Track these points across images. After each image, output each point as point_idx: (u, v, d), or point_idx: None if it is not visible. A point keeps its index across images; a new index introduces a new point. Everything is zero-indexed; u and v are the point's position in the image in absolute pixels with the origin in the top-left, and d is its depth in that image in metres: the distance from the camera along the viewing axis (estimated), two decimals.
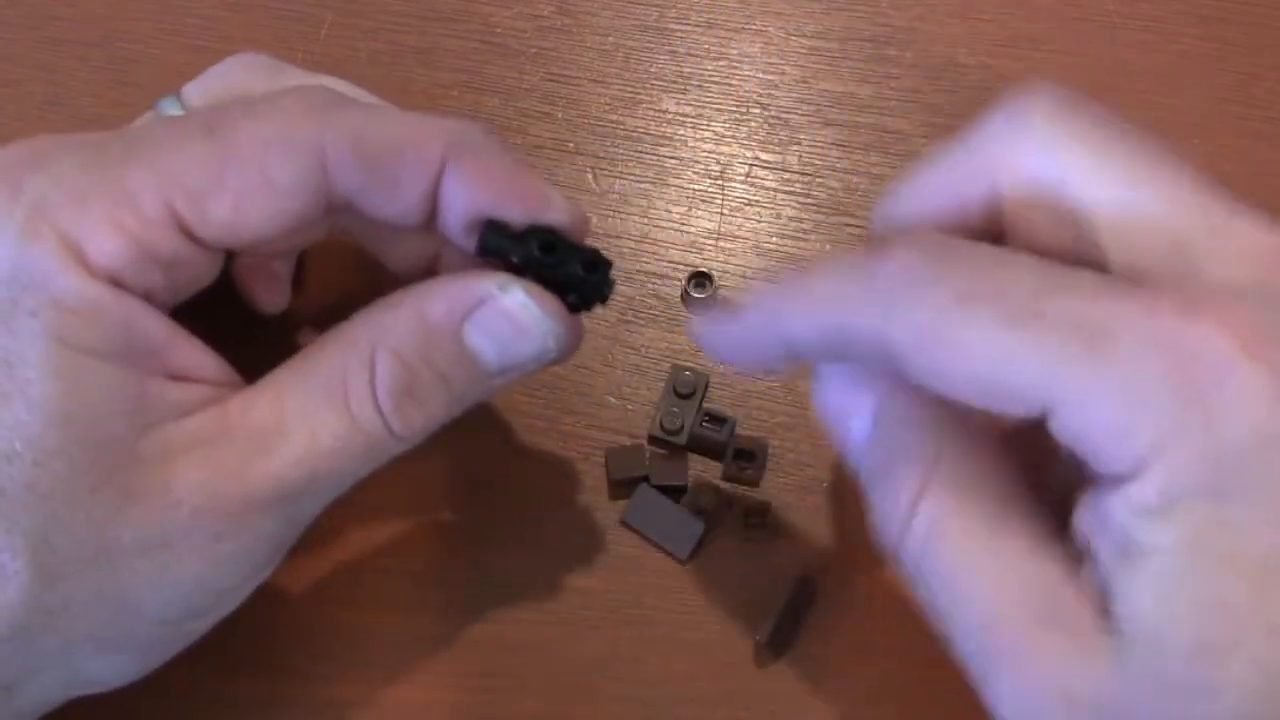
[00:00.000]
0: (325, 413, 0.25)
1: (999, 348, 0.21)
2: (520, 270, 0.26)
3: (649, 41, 0.39)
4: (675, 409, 0.34)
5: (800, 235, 0.37)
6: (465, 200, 0.26)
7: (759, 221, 0.37)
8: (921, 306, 0.22)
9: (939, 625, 0.23)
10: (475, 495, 0.33)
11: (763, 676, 0.32)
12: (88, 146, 0.25)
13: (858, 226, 0.37)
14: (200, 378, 0.25)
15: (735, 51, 0.39)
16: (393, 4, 0.39)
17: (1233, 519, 0.20)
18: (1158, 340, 0.20)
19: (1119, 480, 0.21)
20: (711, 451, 0.34)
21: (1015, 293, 0.21)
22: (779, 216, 0.37)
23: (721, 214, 0.37)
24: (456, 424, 0.27)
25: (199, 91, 0.30)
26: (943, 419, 0.24)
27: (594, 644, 0.32)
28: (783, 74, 0.39)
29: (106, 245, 0.24)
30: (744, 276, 0.36)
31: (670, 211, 0.37)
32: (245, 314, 0.31)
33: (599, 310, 0.28)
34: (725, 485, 0.34)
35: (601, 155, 0.38)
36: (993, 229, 0.24)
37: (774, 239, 0.37)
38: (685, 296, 0.35)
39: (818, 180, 0.38)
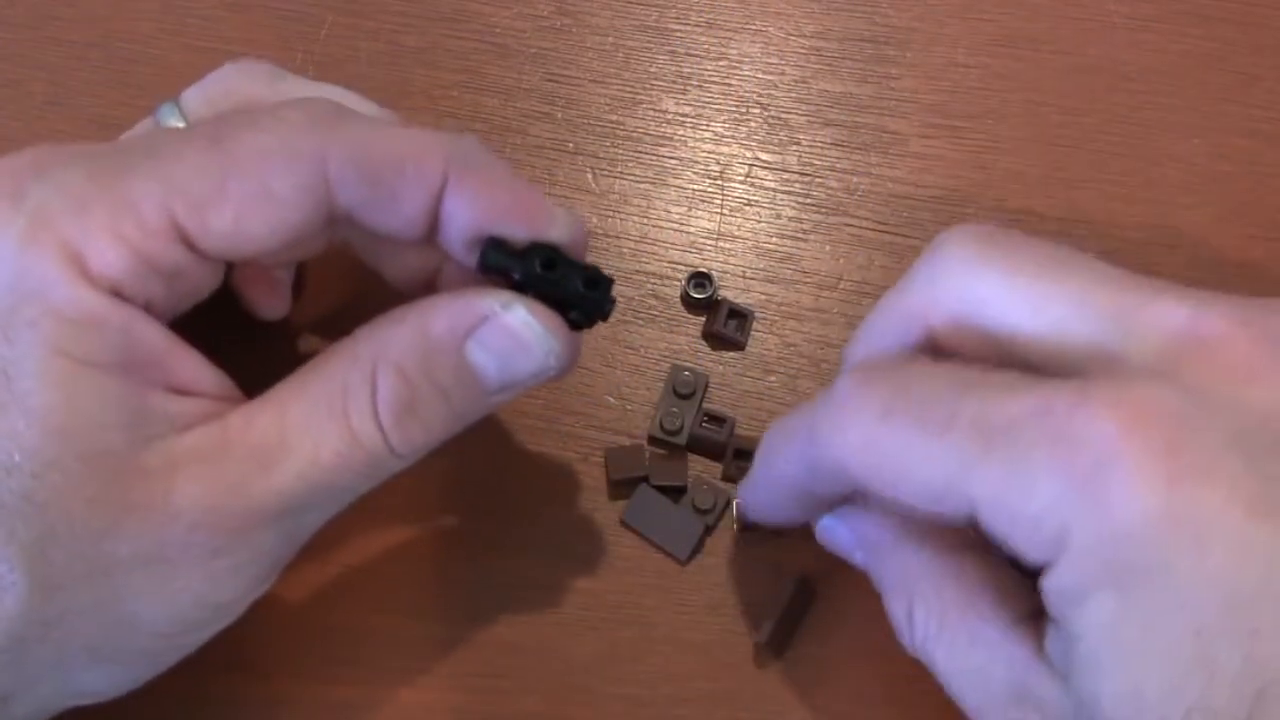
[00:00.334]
0: (326, 428, 0.25)
1: (917, 454, 0.23)
2: (521, 287, 0.26)
3: (649, 41, 0.39)
4: (675, 409, 0.34)
5: (800, 235, 0.37)
6: (466, 216, 0.26)
7: (759, 221, 0.37)
8: (855, 424, 0.24)
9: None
10: (475, 496, 0.33)
11: (763, 676, 0.32)
12: (90, 156, 0.25)
13: (857, 227, 0.37)
14: (200, 391, 0.25)
15: (735, 51, 0.39)
16: (393, 4, 0.39)
17: (1141, 605, 0.21)
18: (1049, 433, 0.22)
19: (1043, 569, 0.23)
20: (711, 452, 0.34)
21: (930, 402, 0.24)
22: (779, 216, 0.37)
23: (721, 214, 0.37)
24: None
25: (198, 98, 0.30)
26: (911, 542, 0.27)
27: (594, 644, 0.32)
28: (782, 74, 0.39)
29: (108, 255, 0.24)
30: (744, 276, 0.36)
31: (670, 212, 0.37)
32: (244, 324, 0.31)
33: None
34: (725, 485, 0.34)
35: (601, 155, 0.38)
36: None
37: (774, 239, 0.37)
38: (685, 297, 0.35)
39: (817, 180, 0.38)
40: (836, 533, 0.29)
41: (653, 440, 0.34)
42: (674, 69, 0.39)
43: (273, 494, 0.25)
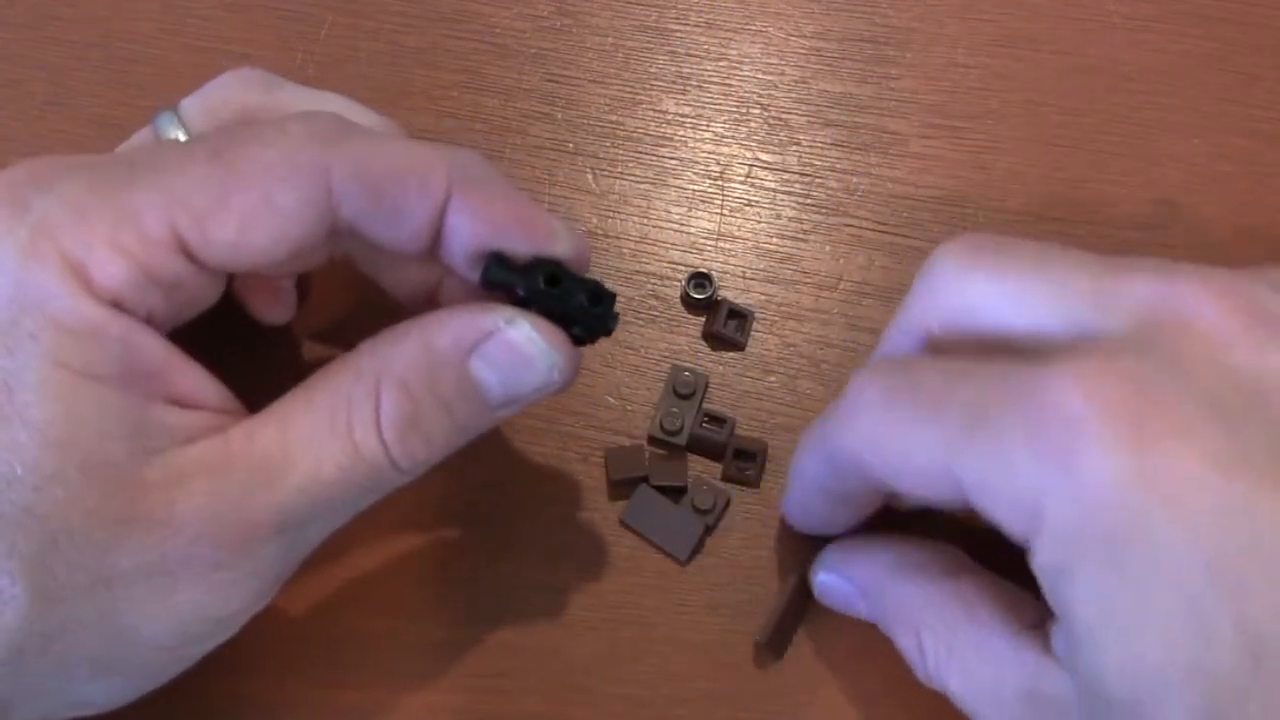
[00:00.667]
0: (329, 443, 0.25)
1: (913, 439, 0.25)
2: (524, 302, 0.26)
3: (648, 42, 0.39)
4: (675, 409, 0.34)
5: (800, 236, 0.37)
6: (469, 232, 0.26)
7: (759, 222, 0.37)
8: (863, 414, 0.26)
9: None
10: (475, 497, 0.33)
11: (763, 676, 0.32)
12: (93, 167, 0.25)
13: (857, 227, 0.37)
14: (201, 403, 0.25)
15: (735, 52, 0.39)
16: (393, 4, 0.39)
17: (1127, 574, 0.22)
18: (1021, 410, 0.23)
19: (1029, 547, 0.23)
20: (711, 452, 0.34)
21: (925, 389, 0.25)
22: (779, 217, 0.37)
23: (721, 214, 0.37)
24: None
25: (196, 107, 0.29)
26: (908, 574, 0.29)
27: (594, 644, 0.32)
28: (782, 74, 0.39)
29: (109, 266, 0.24)
30: (744, 277, 0.36)
31: (670, 212, 0.37)
32: (246, 335, 0.31)
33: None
34: (725, 485, 0.34)
35: (601, 156, 0.38)
36: None
37: (774, 239, 0.37)
38: (685, 297, 0.35)
39: (817, 181, 0.38)
40: (835, 588, 0.31)
41: (653, 440, 0.34)
42: (674, 69, 0.39)
43: (275, 508, 0.24)
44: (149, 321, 0.25)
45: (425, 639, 0.32)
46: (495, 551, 0.33)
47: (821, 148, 0.38)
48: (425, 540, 0.33)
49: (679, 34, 0.39)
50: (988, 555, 0.29)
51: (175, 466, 0.24)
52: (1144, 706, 0.21)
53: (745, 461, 0.34)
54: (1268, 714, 0.20)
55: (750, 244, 0.37)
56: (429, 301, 0.29)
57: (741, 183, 0.38)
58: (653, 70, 0.39)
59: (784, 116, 0.38)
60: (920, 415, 0.25)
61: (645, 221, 0.37)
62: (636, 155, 0.38)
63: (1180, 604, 0.21)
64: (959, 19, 0.40)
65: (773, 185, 0.37)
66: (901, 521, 0.31)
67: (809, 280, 0.36)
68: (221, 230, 0.24)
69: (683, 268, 0.36)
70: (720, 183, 0.37)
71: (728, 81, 0.39)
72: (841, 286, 0.36)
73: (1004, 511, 0.23)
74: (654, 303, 0.36)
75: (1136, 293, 0.24)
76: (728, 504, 0.33)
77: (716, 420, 0.34)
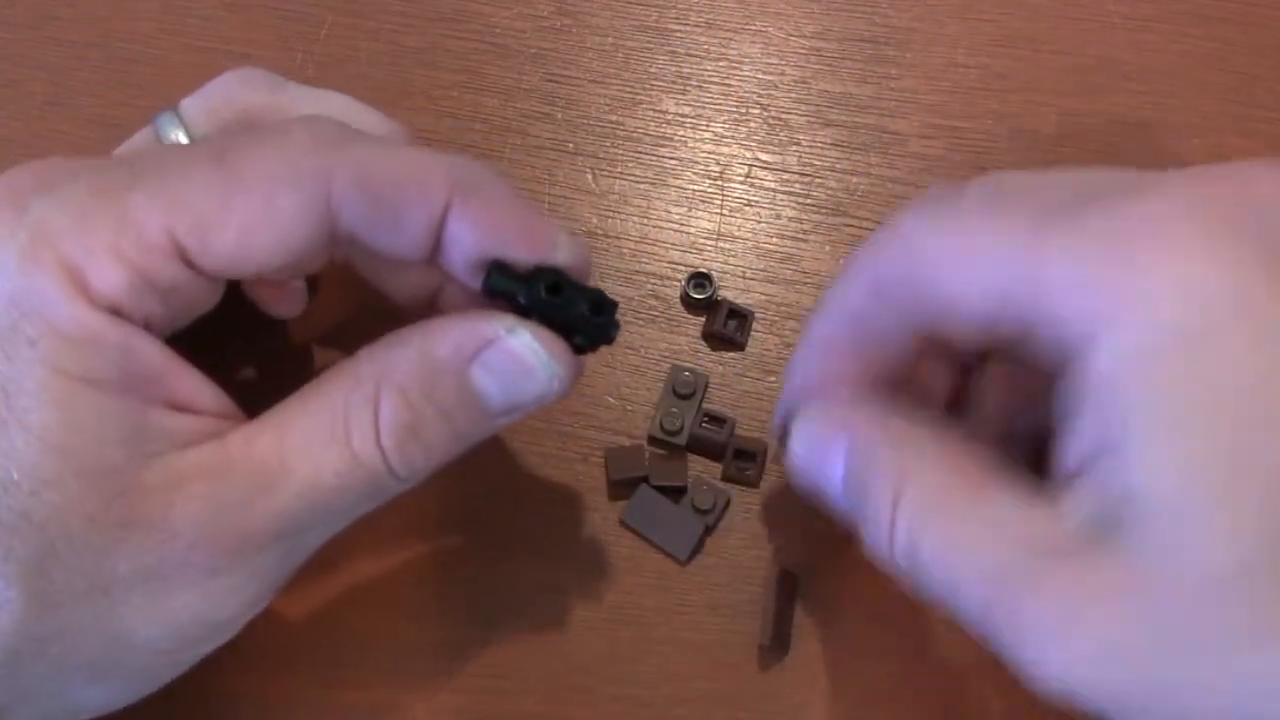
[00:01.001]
0: (327, 450, 0.25)
1: (982, 232, 0.24)
2: (525, 311, 0.26)
3: (648, 42, 0.39)
4: (675, 409, 0.34)
5: (800, 236, 0.37)
6: (470, 240, 0.26)
7: (758, 222, 0.37)
8: (925, 222, 0.25)
9: (955, 618, 0.24)
10: (474, 497, 0.33)
11: (763, 676, 0.32)
12: (94, 171, 0.25)
13: (857, 227, 0.37)
14: (200, 408, 0.25)
15: (735, 52, 0.39)
16: (393, 4, 0.39)
17: (1206, 363, 0.21)
18: (1120, 207, 0.23)
19: (1084, 352, 0.22)
20: (711, 452, 0.34)
21: (1005, 192, 0.25)
22: (778, 217, 0.37)
23: (721, 214, 0.37)
24: None
25: (198, 107, 0.29)
26: (908, 434, 0.26)
27: (594, 644, 0.32)
28: (782, 74, 0.39)
29: (108, 273, 0.23)
30: (744, 276, 0.36)
31: (670, 212, 0.37)
32: (247, 337, 0.31)
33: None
34: (725, 486, 0.34)
35: (601, 156, 0.38)
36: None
37: (773, 239, 0.37)
38: (685, 297, 0.35)
39: (817, 181, 0.38)
40: (817, 444, 0.27)
41: (653, 440, 0.34)
42: (674, 69, 0.39)
43: (273, 514, 0.24)
44: (147, 326, 0.25)
45: (425, 639, 0.32)
46: (495, 551, 0.33)
47: (821, 148, 0.38)
48: (425, 540, 0.33)
49: (679, 34, 0.39)
50: None
51: (173, 471, 0.24)
52: (1214, 505, 0.21)
53: (745, 461, 0.34)
54: None
55: (750, 244, 0.37)
56: (430, 305, 0.29)
57: (741, 183, 0.38)
58: (653, 70, 0.39)
59: (784, 116, 0.38)
60: (990, 212, 0.24)
61: (645, 221, 0.37)
62: (636, 155, 0.38)
63: (1247, 408, 0.21)
64: (959, 19, 0.40)
65: (772, 185, 0.38)
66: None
67: (809, 280, 0.36)
68: (221, 238, 0.24)
69: (683, 268, 0.36)
70: (720, 183, 0.37)
71: (728, 81, 0.39)
72: None
73: (1072, 309, 0.22)
74: (654, 303, 0.36)
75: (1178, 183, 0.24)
76: (728, 504, 0.33)
77: (716, 420, 0.34)
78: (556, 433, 0.34)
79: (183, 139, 0.29)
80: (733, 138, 0.38)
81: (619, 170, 0.37)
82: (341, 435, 0.25)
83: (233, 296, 0.27)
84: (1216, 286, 0.21)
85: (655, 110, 0.38)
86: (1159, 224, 0.22)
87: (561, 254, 0.26)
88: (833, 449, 0.27)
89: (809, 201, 0.37)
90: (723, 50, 0.39)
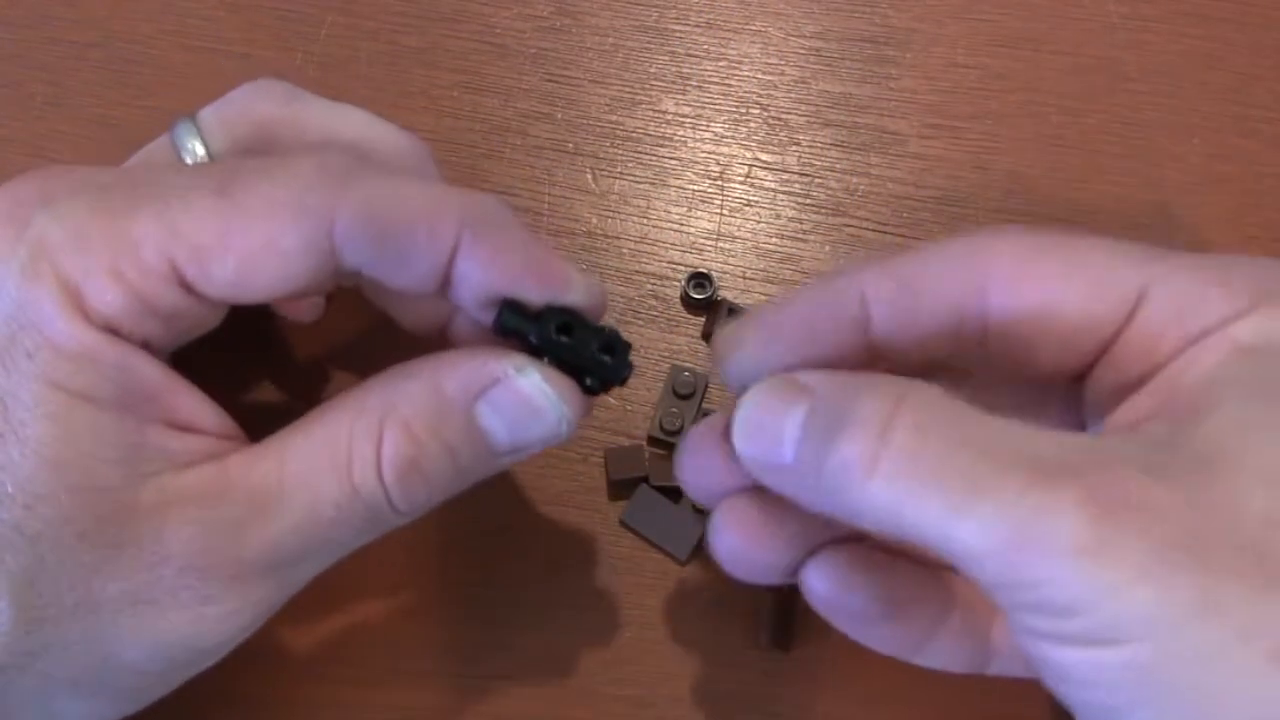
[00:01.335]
0: (327, 480, 0.24)
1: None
2: (537, 350, 0.26)
3: (648, 42, 0.39)
4: (675, 409, 0.34)
5: (799, 236, 0.37)
6: (480, 278, 0.25)
7: (758, 222, 0.37)
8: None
9: (931, 540, 0.21)
10: (473, 497, 0.33)
11: (763, 676, 0.32)
12: (97, 188, 0.25)
13: (856, 227, 0.37)
14: (200, 428, 0.25)
15: (735, 52, 0.39)
16: (393, 4, 0.39)
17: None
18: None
19: (1217, 324, 0.23)
20: None
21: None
22: (778, 217, 0.37)
23: (721, 215, 0.37)
24: None
25: (215, 117, 0.29)
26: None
27: (594, 644, 0.32)
28: (782, 75, 0.39)
29: (105, 293, 0.23)
30: (744, 277, 0.36)
31: (670, 212, 0.37)
32: (252, 356, 0.31)
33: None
34: None
35: (601, 156, 0.38)
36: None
37: (773, 239, 0.37)
38: (685, 297, 0.35)
39: (817, 181, 0.38)
40: (774, 399, 0.24)
41: (652, 440, 0.34)
42: (674, 69, 0.39)
43: (268, 544, 0.24)
44: (147, 345, 0.24)
45: (422, 637, 0.32)
46: (495, 551, 0.33)
47: (821, 148, 0.38)
48: (423, 539, 0.33)
49: (679, 34, 0.39)
50: None
51: (168, 491, 0.24)
52: (1262, 459, 0.21)
53: None
54: None
55: (750, 244, 0.37)
56: (440, 333, 0.29)
57: (741, 183, 0.38)
58: (653, 70, 0.39)
59: (784, 116, 0.38)
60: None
61: (645, 221, 0.37)
62: (636, 155, 0.38)
63: None
64: (959, 19, 0.40)
65: (772, 185, 0.38)
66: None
67: (809, 280, 0.36)
68: (221, 268, 0.24)
69: (682, 268, 0.36)
70: (720, 183, 0.37)
71: (728, 81, 0.39)
72: None
73: (1203, 292, 0.23)
74: (654, 303, 0.36)
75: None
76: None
77: None
78: None
79: (199, 149, 0.29)
80: (733, 138, 0.38)
81: (619, 170, 0.37)
82: (343, 466, 0.24)
83: (241, 314, 0.27)
84: None
85: (655, 110, 0.38)
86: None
87: (574, 294, 0.26)
88: (791, 408, 0.23)
89: (809, 201, 0.37)
90: (723, 50, 0.39)
